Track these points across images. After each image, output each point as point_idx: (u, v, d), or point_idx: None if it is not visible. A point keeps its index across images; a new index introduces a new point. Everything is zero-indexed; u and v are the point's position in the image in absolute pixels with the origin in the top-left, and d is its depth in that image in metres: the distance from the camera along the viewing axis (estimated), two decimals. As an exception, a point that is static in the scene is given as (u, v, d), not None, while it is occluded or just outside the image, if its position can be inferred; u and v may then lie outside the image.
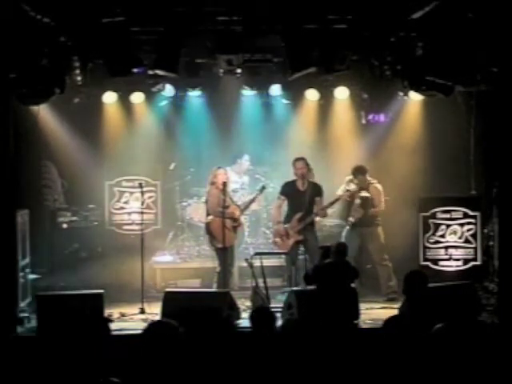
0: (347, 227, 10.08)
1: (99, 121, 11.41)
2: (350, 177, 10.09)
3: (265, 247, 11.08)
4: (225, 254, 9.64)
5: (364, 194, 9.92)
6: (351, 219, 9.97)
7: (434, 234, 10.34)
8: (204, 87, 10.92)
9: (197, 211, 11.14)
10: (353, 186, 9.93)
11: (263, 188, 10.37)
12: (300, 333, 5.80)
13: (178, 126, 11.87)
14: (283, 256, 9.98)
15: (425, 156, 11.19)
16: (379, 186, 10.09)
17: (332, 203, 9.78)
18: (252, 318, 5.86)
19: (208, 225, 9.82)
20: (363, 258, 10.14)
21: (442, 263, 10.30)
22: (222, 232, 9.47)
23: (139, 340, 4.99)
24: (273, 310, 8.22)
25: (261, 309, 6.50)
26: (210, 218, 9.76)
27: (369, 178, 10.07)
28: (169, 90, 10.98)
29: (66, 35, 8.46)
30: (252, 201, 10.27)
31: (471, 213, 10.31)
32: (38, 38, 8.22)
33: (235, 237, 9.93)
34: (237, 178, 11.45)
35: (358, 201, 9.92)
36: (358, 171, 10.01)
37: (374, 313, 8.89)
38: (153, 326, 5.14)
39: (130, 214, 11.52)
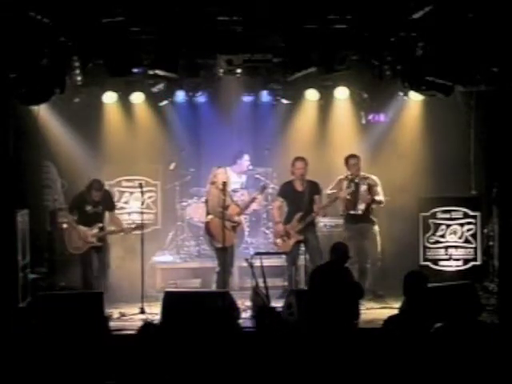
0: (344, 225, 10.04)
1: (99, 121, 11.41)
2: (341, 176, 10.05)
3: (265, 247, 11.08)
4: (224, 253, 9.64)
5: (368, 180, 9.90)
6: (361, 207, 9.89)
7: (434, 234, 10.35)
8: (204, 87, 10.92)
9: (197, 211, 11.14)
10: (344, 185, 9.93)
11: (264, 188, 10.37)
12: (300, 333, 5.81)
13: (178, 126, 11.86)
14: (283, 256, 9.98)
15: (425, 156, 11.19)
16: (376, 178, 10.04)
17: (331, 202, 9.77)
18: (257, 317, 5.85)
19: (207, 224, 9.81)
20: (362, 256, 10.09)
21: (441, 263, 10.31)
22: (221, 232, 9.47)
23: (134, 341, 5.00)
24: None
25: (266, 308, 6.48)
26: (210, 217, 9.75)
27: (363, 173, 10.01)
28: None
29: (66, 35, 8.46)
30: (252, 201, 10.25)
31: (471, 213, 10.32)
32: (38, 38, 8.21)
33: (235, 236, 9.93)
34: (237, 178, 11.45)
35: (364, 187, 9.87)
36: (352, 156, 10.01)
37: (374, 313, 8.89)
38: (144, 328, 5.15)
39: (129, 213, 11.51)
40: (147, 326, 5.34)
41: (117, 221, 10.12)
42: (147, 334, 5.04)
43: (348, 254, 7.98)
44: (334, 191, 10.01)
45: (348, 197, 9.92)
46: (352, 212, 9.98)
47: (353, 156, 10.06)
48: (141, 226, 9.85)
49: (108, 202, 9.99)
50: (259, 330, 5.74)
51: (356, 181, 9.93)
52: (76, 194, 9.98)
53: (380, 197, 10.00)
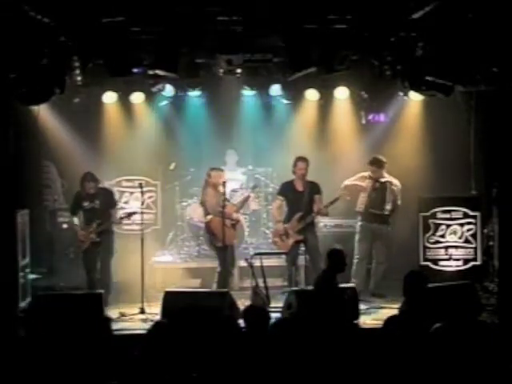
0: (359, 223, 10.05)
1: (99, 121, 11.41)
2: (365, 173, 10.06)
3: (265, 247, 11.08)
4: (225, 252, 9.66)
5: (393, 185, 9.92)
6: (388, 207, 9.88)
7: (434, 234, 10.34)
8: (204, 87, 10.92)
9: (197, 211, 11.13)
10: (367, 182, 9.93)
11: (255, 187, 10.43)
12: (298, 332, 5.80)
13: (178, 126, 11.87)
14: (283, 256, 9.98)
15: (425, 156, 11.20)
16: (398, 183, 10.04)
17: (332, 202, 9.76)
18: (244, 316, 5.86)
19: (208, 224, 9.84)
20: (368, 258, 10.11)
21: (441, 263, 10.31)
22: (222, 230, 9.49)
23: (141, 340, 5.00)
24: (273, 310, 8.28)
25: (253, 307, 6.48)
26: (210, 217, 9.78)
27: (387, 176, 10.03)
28: (169, 90, 10.99)
29: (66, 35, 8.45)
30: (246, 200, 10.30)
31: (471, 213, 10.31)
32: (38, 38, 8.21)
33: (235, 234, 9.95)
34: (237, 176, 11.47)
35: (392, 188, 9.85)
36: (374, 163, 9.99)
37: (374, 313, 8.89)
38: (154, 327, 5.15)
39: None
40: (158, 324, 5.35)
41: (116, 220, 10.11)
42: (159, 332, 5.05)
43: (345, 261, 7.67)
44: (357, 183, 9.98)
45: (373, 195, 9.90)
46: (376, 211, 9.90)
47: (374, 162, 9.99)
48: (132, 213, 9.93)
49: (108, 200, 9.95)
50: (248, 330, 5.76)
51: (382, 180, 9.92)
52: (73, 195, 10.03)
53: (399, 200, 10.01)
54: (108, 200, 9.93)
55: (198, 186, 11.26)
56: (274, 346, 5.49)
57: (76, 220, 9.91)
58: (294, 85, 10.70)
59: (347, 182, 10.07)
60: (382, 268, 9.96)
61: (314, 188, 9.79)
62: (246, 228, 11.08)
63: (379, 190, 9.94)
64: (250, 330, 5.70)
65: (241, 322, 8.11)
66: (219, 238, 9.61)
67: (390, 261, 10.01)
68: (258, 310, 6.04)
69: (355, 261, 9.90)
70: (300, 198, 9.74)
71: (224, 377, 5.31)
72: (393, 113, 11.40)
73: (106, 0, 8.18)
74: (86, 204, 9.78)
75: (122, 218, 10.00)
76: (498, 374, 5.20)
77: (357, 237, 10.03)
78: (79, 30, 8.36)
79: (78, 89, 10.11)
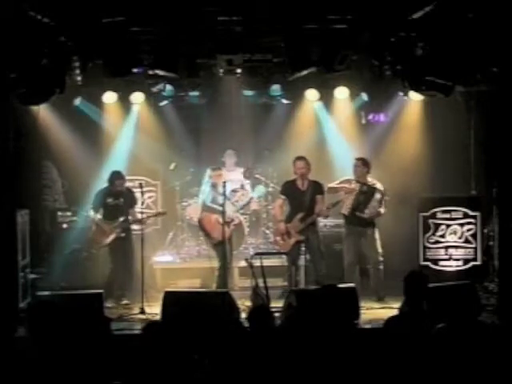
0: (344, 226, 10.01)
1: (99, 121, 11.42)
2: (349, 177, 10.04)
3: (265, 247, 11.09)
4: (222, 249, 9.70)
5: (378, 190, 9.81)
6: (368, 212, 9.73)
7: (434, 234, 10.35)
8: (204, 87, 10.92)
9: (197, 211, 11.14)
10: (354, 184, 9.89)
11: (254, 189, 10.53)
12: (299, 332, 5.80)
13: (178, 126, 11.87)
14: (283, 256, 9.98)
15: (425, 156, 11.20)
16: (381, 186, 9.97)
17: (334, 205, 9.74)
18: (250, 317, 5.86)
19: (200, 221, 9.99)
20: (362, 258, 10.08)
21: (442, 263, 10.31)
22: (214, 227, 9.71)
23: (138, 341, 5.00)
24: (273, 310, 8.27)
25: (258, 308, 6.48)
26: (200, 215, 9.94)
27: (370, 179, 9.95)
28: (169, 90, 10.99)
29: (66, 35, 8.45)
30: (247, 204, 10.42)
31: (471, 213, 10.32)
32: (38, 38, 8.21)
33: (229, 231, 9.98)
34: (236, 176, 11.48)
35: (378, 196, 9.75)
36: (360, 159, 9.94)
37: (374, 313, 8.88)
38: (150, 327, 5.15)
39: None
40: (151, 325, 5.35)
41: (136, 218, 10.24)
42: (152, 332, 5.05)
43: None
44: (344, 185, 9.92)
45: (361, 198, 9.80)
46: (358, 214, 9.77)
47: (358, 159, 9.96)
48: (161, 213, 10.56)
49: (130, 199, 10.12)
50: (253, 331, 5.75)
51: (373, 186, 9.81)
52: (96, 192, 10.10)
53: (383, 208, 9.89)
54: (130, 199, 10.12)
55: (197, 186, 11.28)
56: (276, 346, 5.49)
57: (98, 216, 9.98)
58: (294, 85, 10.71)
59: (331, 185, 10.01)
60: (380, 268, 9.84)
61: (316, 188, 9.75)
62: (246, 228, 11.08)
63: (368, 193, 9.83)
64: (255, 331, 5.68)
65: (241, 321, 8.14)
66: (212, 234, 9.84)
67: (389, 261, 9.97)
68: (262, 310, 6.02)
69: (345, 267, 9.82)
70: (302, 197, 9.71)
71: (225, 377, 5.31)
72: (393, 113, 11.39)
73: (105, 0, 8.19)
74: (109, 200, 9.93)
75: (149, 217, 10.14)
76: (498, 375, 5.20)
77: (344, 242, 9.93)
78: (79, 30, 8.36)
79: (78, 89, 10.11)
